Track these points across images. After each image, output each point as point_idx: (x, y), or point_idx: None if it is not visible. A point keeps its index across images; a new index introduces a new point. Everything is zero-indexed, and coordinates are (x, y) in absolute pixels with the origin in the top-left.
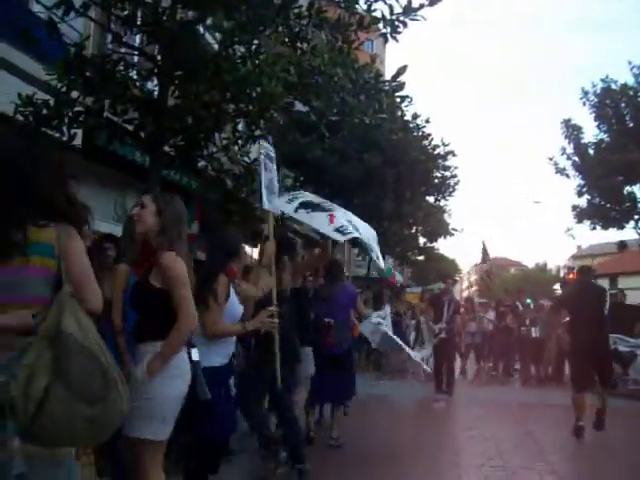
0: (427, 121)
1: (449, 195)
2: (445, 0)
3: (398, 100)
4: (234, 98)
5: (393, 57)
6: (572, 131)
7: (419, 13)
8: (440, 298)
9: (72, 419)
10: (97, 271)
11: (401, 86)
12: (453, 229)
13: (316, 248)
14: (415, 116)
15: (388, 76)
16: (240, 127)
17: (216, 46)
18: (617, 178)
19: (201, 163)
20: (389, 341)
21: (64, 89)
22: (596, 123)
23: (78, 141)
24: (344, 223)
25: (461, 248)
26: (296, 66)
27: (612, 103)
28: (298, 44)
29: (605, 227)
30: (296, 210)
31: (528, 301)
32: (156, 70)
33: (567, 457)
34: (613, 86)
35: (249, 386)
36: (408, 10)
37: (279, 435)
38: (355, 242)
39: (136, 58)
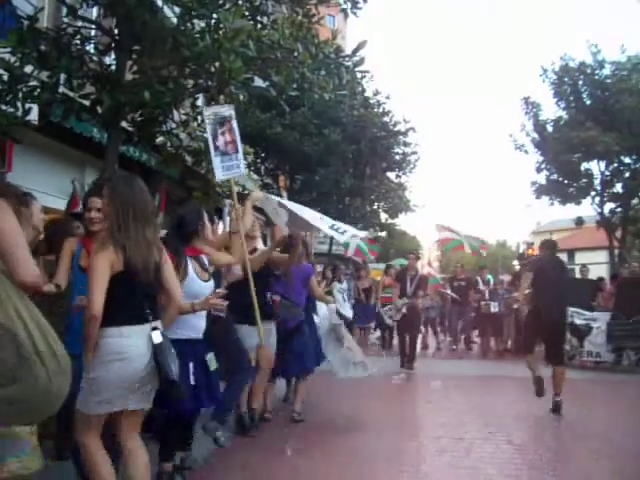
0: (388, 97)
1: (410, 171)
2: None
3: (359, 76)
4: (193, 73)
5: (356, 33)
6: (531, 108)
7: None
8: (404, 273)
9: None
10: None
11: (361, 61)
12: (414, 205)
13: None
14: (376, 92)
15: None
16: (199, 103)
17: (175, 20)
18: (575, 155)
19: (160, 139)
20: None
21: (17, 63)
22: (555, 100)
23: (33, 116)
24: (334, 222)
25: (422, 225)
26: (255, 41)
27: (570, 81)
28: (258, 18)
29: (563, 203)
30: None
31: (488, 277)
32: (113, 44)
33: (523, 427)
34: (571, 64)
35: None
36: None
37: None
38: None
39: (93, 32)
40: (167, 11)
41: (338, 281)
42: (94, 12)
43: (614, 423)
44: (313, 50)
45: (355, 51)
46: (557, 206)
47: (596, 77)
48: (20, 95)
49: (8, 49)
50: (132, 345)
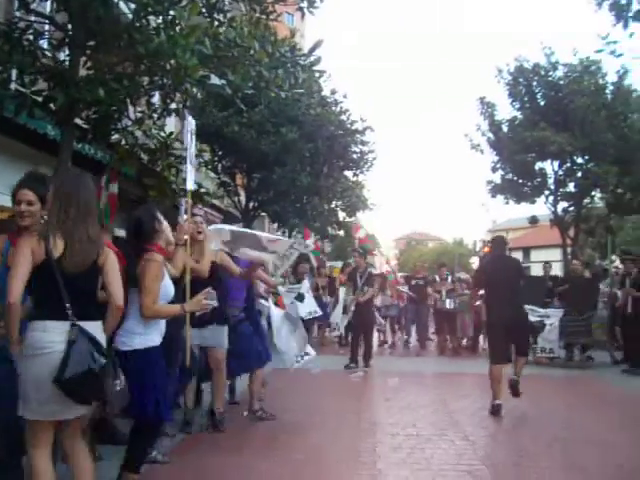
0: (345, 96)
1: (367, 170)
2: None
3: (317, 75)
4: (148, 70)
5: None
6: (487, 108)
7: None
8: (355, 272)
9: None
10: None
11: (317, 60)
12: (372, 204)
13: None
14: (333, 91)
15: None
16: (155, 100)
17: (130, 16)
18: (529, 155)
19: (115, 137)
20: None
21: None
22: (510, 101)
23: None
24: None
25: (380, 223)
26: (212, 39)
27: (525, 82)
28: (215, 15)
29: (518, 202)
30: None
31: (447, 274)
32: (67, 40)
33: (479, 424)
34: (526, 65)
35: None
36: None
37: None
38: (276, 219)
39: (46, 26)
40: (122, 7)
41: (298, 281)
42: (47, 6)
43: (567, 418)
44: (270, 49)
45: (312, 50)
46: (512, 205)
47: (550, 78)
48: None
49: None
50: (52, 342)
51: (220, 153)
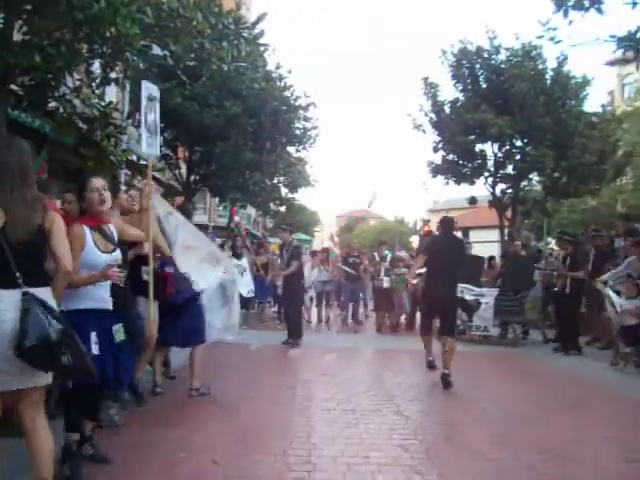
0: (289, 72)
1: (310, 146)
2: None
3: (261, 49)
4: (87, 37)
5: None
6: (430, 89)
7: None
8: (282, 247)
9: None
10: None
11: (261, 33)
12: (314, 180)
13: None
14: (278, 66)
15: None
16: (95, 69)
17: None
18: (470, 136)
19: (52, 104)
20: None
21: None
22: (453, 82)
23: None
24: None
25: (322, 200)
26: (154, 8)
27: (468, 64)
28: None
29: (458, 182)
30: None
31: (386, 252)
32: (1, 2)
33: (413, 399)
34: (469, 47)
35: None
36: None
37: None
38: (217, 193)
39: None
40: None
41: (236, 257)
42: None
43: (500, 392)
44: (213, 20)
45: (255, 23)
46: (452, 185)
47: (492, 62)
48: None
49: None
50: (5, 310)
51: (162, 125)
